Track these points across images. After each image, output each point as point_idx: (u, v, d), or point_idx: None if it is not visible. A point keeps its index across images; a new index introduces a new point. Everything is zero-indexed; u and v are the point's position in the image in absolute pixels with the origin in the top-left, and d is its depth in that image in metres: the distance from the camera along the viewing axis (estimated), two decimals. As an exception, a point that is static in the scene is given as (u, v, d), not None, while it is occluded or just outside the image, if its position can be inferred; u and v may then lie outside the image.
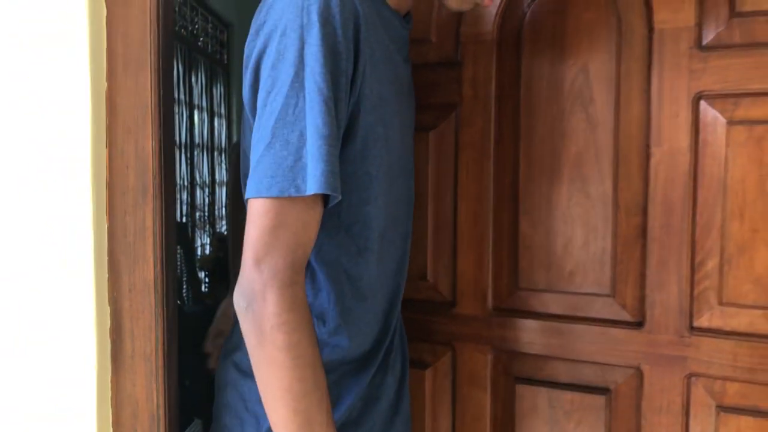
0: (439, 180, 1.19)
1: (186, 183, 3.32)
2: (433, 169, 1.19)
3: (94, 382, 0.78)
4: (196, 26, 3.46)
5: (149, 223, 0.79)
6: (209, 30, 3.65)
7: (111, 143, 0.78)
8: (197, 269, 2.96)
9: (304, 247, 0.70)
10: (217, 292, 2.77)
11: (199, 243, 3.42)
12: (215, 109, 3.78)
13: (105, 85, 0.77)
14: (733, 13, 1.02)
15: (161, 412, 0.82)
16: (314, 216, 0.70)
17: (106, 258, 0.78)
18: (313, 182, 0.67)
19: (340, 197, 0.71)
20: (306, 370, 0.67)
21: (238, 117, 3.99)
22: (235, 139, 3.95)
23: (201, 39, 3.54)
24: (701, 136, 1.04)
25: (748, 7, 1.01)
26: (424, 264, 1.20)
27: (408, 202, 0.95)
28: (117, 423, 0.81)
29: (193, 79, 3.41)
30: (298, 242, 0.69)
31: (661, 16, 1.05)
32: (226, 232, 3.69)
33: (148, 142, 0.78)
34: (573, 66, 1.09)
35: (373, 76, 0.77)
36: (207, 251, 3.44)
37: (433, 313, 1.19)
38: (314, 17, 0.69)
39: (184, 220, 3.30)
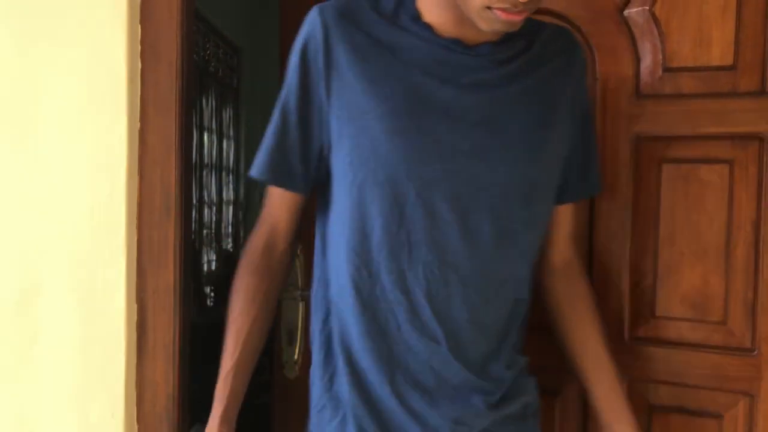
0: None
1: (195, 202, 3.50)
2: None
3: (123, 367, 0.96)
4: (208, 52, 3.67)
5: (171, 237, 0.98)
6: (220, 55, 3.86)
7: (142, 172, 0.98)
8: (203, 284, 3.13)
9: (273, 219, 0.96)
10: (222, 306, 2.93)
11: (205, 259, 3.60)
12: (224, 131, 3.98)
13: (138, 125, 0.97)
14: (665, 68, 1.21)
15: (176, 393, 1.00)
16: (276, 197, 0.96)
17: (135, 265, 0.97)
18: (253, 168, 0.94)
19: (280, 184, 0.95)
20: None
21: (246, 138, 4.18)
22: (243, 159, 4.14)
23: (212, 64, 3.74)
24: (637, 173, 1.22)
25: (674, 63, 1.19)
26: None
27: (452, 228, 0.95)
28: (140, 401, 0.99)
29: (204, 102, 3.61)
30: (268, 215, 0.97)
31: (604, 68, 1.23)
32: (231, 249, 3.87)
33: (171, 172, 0.97)
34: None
35: (345, 95, 0.93)
36: (213, 267, 3.61)
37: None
38: (296, 44, 0.94)
39: (192, 237, 3.47)
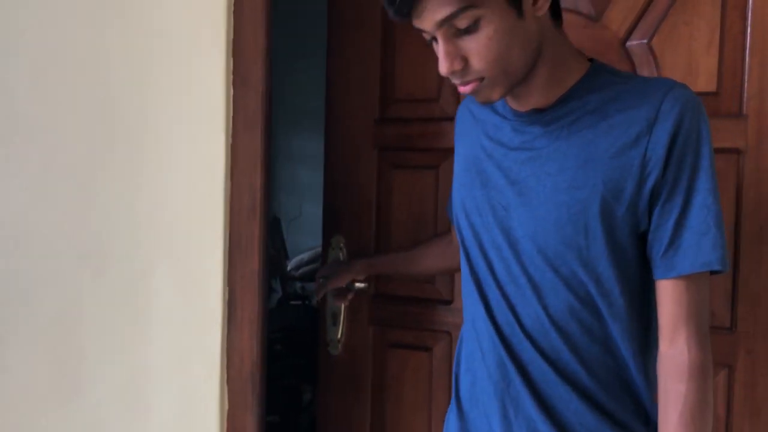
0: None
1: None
2: None
3: (218, 338, 1.18)
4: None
5: (255, 233, 1.21)
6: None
7: (233, 178, 1.20)
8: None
9: None
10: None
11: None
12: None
13: (230, 140, 1.19)
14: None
15: (258, 360, 1.22)
16: None
17: (227, 255, 1.19)
18: None
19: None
20: None
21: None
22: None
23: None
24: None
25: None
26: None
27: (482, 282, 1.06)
28: (230, 366, 1.21)
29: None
30: None
31: None
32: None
33: (257, 179, 1.20)
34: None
35: (456, 164, 1.13)
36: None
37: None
38: None
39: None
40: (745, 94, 1.37)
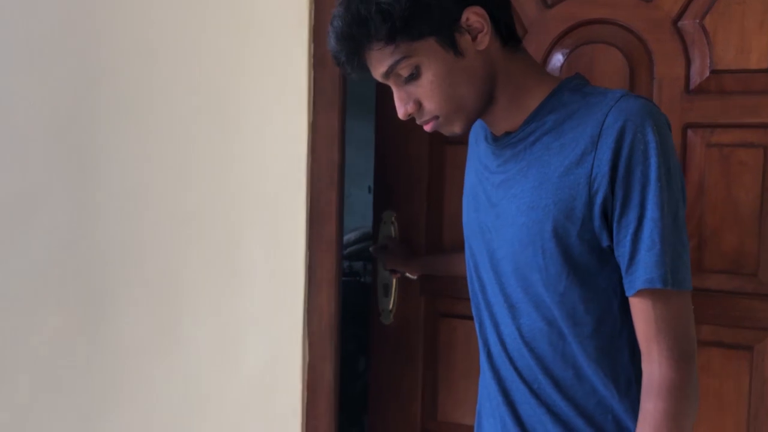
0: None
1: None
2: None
3: (301, 295, 1.33)
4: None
5: (333, 200, 1.35)
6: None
7: (313, 152, 1.33)
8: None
9: None
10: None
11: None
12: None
13: (311, 118, 1.32)
14: (711, 70, 1.49)
15: (335, 316, 1.37)
16: None
17: (308, 220, 1.33)
18: None
19: None
20: None
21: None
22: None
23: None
24: (687, 155, 1.52)
25: (720, 66, 1.48)
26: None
27: (475, 278, 1.12)
28: (310, 321, 1.36)
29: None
30: None
31: (660, 70, 1.51)
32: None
33: (334, 152, 1.33)
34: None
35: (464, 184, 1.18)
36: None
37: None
38: None
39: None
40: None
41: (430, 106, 0.96)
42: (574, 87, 1.00)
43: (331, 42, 0.94)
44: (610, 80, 1.52)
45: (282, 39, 1.32)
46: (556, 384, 0.99)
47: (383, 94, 1.58)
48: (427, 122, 0.99)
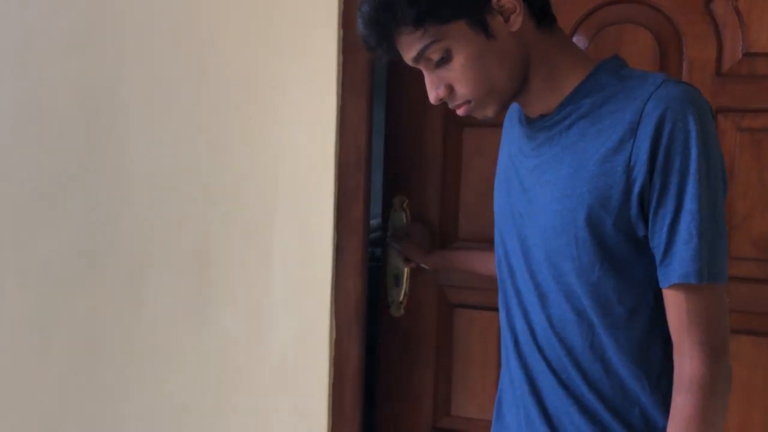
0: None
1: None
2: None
3: (329, 276, 1.36)
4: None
5: (361, 184, 1.38)
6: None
7: (342, 137, 1.36)
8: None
9: None
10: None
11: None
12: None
13: (340, 102, 1.34)
14: (743, 53, 1.47)
15: (361, 296, 1.40)
16: None
17: (336, 203, 1.36)
18: None
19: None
20: None
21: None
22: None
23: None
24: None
25: (753, 49, 1.46)
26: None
27: (505, 258, 1.09)
28: (337, 300, 1.39)
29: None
30: None
31: (691, 52, 1.49)
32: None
33: (362, 137, 1.36)
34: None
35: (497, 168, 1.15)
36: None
37: None
38: None
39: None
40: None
41: (462, 90, 0.95)
42: (612, 69, 0.97)
43: (360, 27, 0.93)
44: (638, 62, 1.50)
45: (312, 25, 1.34)
46: (584, 375, 0.98)
47: (395, 76, 1.55)
48: (459, 106, 0.97)
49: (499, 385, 1.16)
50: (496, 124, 1.42)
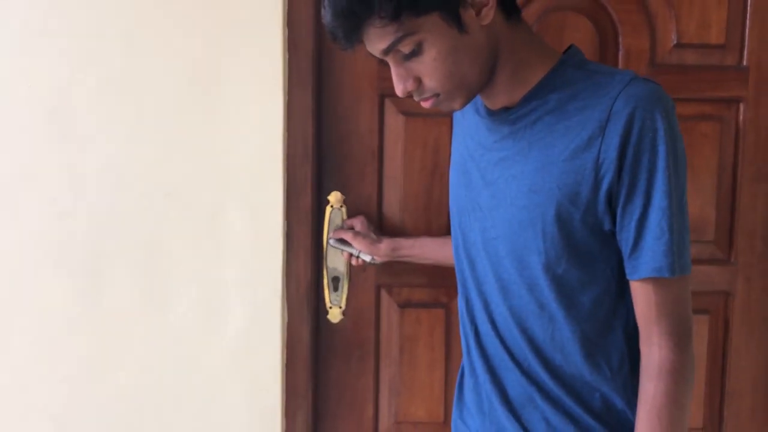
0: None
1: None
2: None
3: (279, 263, 1.44)
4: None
5: (308, 174, 1.45)
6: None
7: (289, 129, 1.42)
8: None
9: None
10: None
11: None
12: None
13: (287, 97, 1.41)
14: (674, 44, 1.54)
15: (311, 281, 1.47)
16: None
17: (285, 193, 1.43)
18: None
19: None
20: None
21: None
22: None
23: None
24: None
25: (683, 41, 1.53)
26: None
27: (459, 249, 1.11)
28: (288, 286, 1.47)
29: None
30: None
31: (627, 41, 1.53)
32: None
33: (308, 130, 1.42)
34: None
35: (451, 160, 1.15)
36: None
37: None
38: None
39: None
40: (746, 48, 1.49)
41: (431, 83, 0.93)
42: (577, 63, 0.97)
43: (327, 17, 0.89)
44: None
45: (258, 25, 1.39)
46: (546, 364, 1.00)
47: (328, 67, 1.49)
48: (426, 99, 0.95)
49: (459, 370, 1.19)
50: (438, 114, 1.46)
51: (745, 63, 1.51)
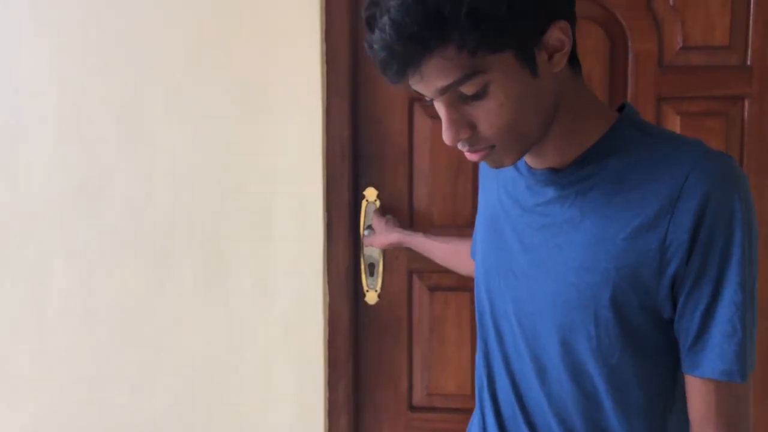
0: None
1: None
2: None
3: (321, 248, 1.63)
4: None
5: (345, 173, 1.63)
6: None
7: (328, 132, 1.61)
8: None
9: None
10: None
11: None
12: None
13: (325, 103, 1.60)
14: (681, 46, 1.66)
15: (350, 265, 1.66)
16: None
17: (325, 189, 1.62)
18: None
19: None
20: None
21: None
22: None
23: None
24: (660, 124, 1.70)
25: (689, 43, 1.65)
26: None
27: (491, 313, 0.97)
28: (329, 269, 1.65)
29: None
30: None
31: (635, 45, 1.63)
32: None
33: (345, 132, 1.61)
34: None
35: (479, 212, 1.03)
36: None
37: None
38: None
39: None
40: (750, 48, 1.59)
41: (488, 132, 0.78)
42: (637, 125, 0.85)
43: (381, 44, 0.72)
44: (592, 55, 1.63)
45: (300, 41, 1.58)
46: None
47: (361, 65, 1.65)
48: (477, 150, 0.81)
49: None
50: None
51: (748, 62, 1.60)
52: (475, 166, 1.64)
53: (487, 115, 0.78)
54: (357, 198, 1.69)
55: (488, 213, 0.99)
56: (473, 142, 0.80)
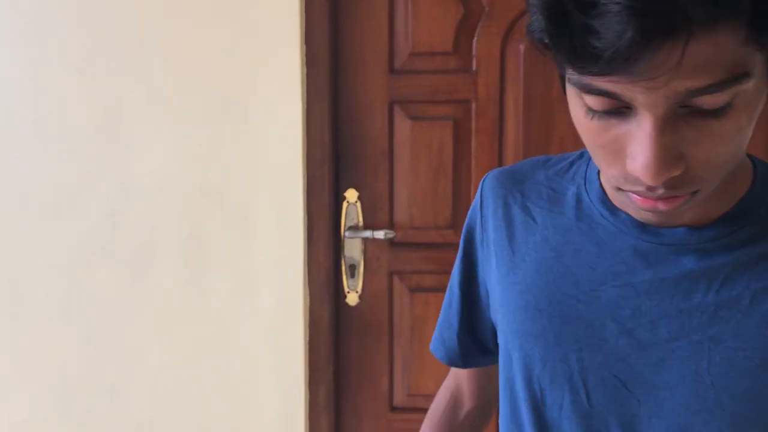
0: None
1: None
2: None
3: (302, 251, 1.64)
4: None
5: (326, 174, 1.64)
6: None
7: (308, 133, 1.62)
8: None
9: (458, 378, 0.89)
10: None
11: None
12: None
13: (306, 106, 1.61)
14: (410, 52, 1.64)
15: (330, 267, 1.67)
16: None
17: (306, 190, 1.63)
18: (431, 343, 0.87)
19: (444, 361, 0.84)
20: None
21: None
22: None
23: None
24: (394, 128, 1.69)
25: (418, 50, 1.62)
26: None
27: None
28: (310, 271, 1.67)
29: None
30: (454, 373, 0.89)
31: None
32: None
33: (326, 135, 1.62)
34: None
35: (487, 273, 0.76)
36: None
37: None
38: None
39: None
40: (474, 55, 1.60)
41: (703, 168, 0.54)
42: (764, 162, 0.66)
43: (614, 15, 0.45)
44: None
45: (280, 45, 1.60)
46: None
47: (342, 66, 1.64)
48: (676, 197, 0.56)
49: None
50: (441, 116, 1.62)
51: (474, 68, 1.62)
52: (457, 166, 1.68)
53: (713, 144, 0.52)
54: (338, 199, 1.71)
55: (524, 290, 0.70)
56: (679, 183, 0.54)
